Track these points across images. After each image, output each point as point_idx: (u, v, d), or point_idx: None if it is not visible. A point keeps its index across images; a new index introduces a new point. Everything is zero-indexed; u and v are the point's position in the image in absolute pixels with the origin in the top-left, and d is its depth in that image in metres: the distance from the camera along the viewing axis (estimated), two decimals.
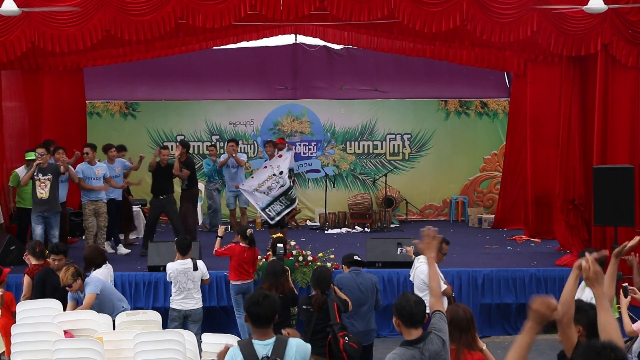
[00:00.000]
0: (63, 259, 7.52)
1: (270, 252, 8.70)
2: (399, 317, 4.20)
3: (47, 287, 7.52)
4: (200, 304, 7.99)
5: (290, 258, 9.09)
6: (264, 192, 10.90)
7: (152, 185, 10.90)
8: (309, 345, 4.32)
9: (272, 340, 4.13)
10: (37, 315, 7.10)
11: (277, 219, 10.90)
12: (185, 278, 7.82)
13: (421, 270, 6.98)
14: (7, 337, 6.87)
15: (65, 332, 6.63)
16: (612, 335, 3.44)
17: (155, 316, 7.22)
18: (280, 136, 14.35)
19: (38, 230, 9.81)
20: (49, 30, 8.91)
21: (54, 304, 7.32)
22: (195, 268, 7.87)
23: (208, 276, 8.15)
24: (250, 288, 8.48)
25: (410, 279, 7.36)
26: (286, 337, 4.22)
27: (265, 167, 11.28)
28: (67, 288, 7.14)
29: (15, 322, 7.07)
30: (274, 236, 8.48)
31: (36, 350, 6.45)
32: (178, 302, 7.87)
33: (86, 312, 7.27)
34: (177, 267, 7.84)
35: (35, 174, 9.80)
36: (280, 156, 11.28)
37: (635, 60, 9.18)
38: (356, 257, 7.38)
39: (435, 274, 4.61)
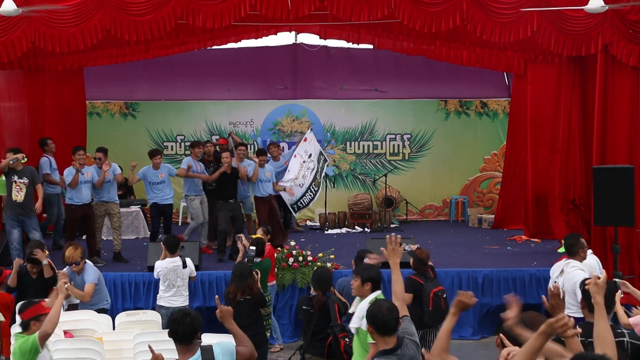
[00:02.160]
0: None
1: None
2: (372, 326, 4.18)
3: (23, 286, 7.67)
4: (187, 302, 8.03)
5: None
6: (300, 185, 11.10)
7: (217, 189, 10.71)
8: (231, 343, 4.36)
9: (197, 355, 4.16)
10: None
11: (303, 209, 11.29)
12: (175, 275, 7.88)
13: (572, 276, 6.73)
14: (7, 337, 6.88)
15: (65, 332, 6.65)
16: (606, 345, 3.47)
17: (155, 316, 7.24)
18: (280, 136, 14.37)
19: (15, 233, 9.71)
20: (49, 30, 8.90)
21: None
22: (185, 265, 7.96)
23: (195, 273, 8.24)
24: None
25: (559, 285, 7.12)
26: (209, 346, 4.24)
27: (295, 156, 11.32)
28: (72, 266, 7.42)
29: (13, 322, 7.09)
30: (253, 237, 8.44)
31: None
32: (166, 299, 7.90)
33: (86, 312, 7.31)
34: (166, 265, 7.91)
35: (12, 176, 9.74)
36: (305, 140, 11.37)
37: (636, 60, 9.17)
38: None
39: (399, 279, 4.71)
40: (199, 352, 4.18)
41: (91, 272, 7.55)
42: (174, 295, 7.88)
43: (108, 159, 10.50)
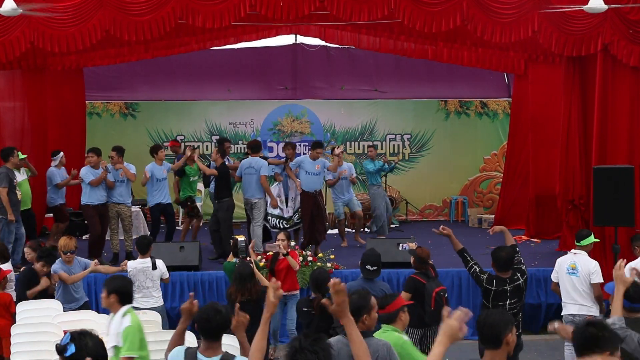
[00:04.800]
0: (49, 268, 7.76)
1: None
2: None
3: (31, 287, 7.61)
4: (160, 302, 8.01)
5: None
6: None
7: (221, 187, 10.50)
8: None
9: (217, 358, 4.08)
10: (37, 316, 7.11)
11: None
12: (144, 277, 7.88)
13: None
14: (6, 338, 6.88)
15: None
16: None
17: (155, 316, 7.22)
18: (280, 137, 14.35)
19: (24, 230, 9.81)
20: (49, 31, 8.89)
21: (54, 304, 7.34)
22: (154, 267, 7.94)
23: (167, 275, 8.19)
24: None
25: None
26: (232, 356, 4.14)
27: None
28: (67, 254, 7.65)
29: (13, 323, 7.09)
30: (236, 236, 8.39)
31: (36, 351, 6.46)
32: (138, 300, 7.83)
33: (86, 312, 7.31)
34: (136, 266, 7.93)
35: (13, 177, 9.75)
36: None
37: (636, 60, 9.16)
38: (367, 267, 6.96)
39: (358, 338, 3.84)
40: (219, 357, 4.10)
41: (82, 260, 7.86)
42: (144, 297, 7.88)
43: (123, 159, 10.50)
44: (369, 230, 13.04)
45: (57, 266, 7.67)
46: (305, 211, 10.42)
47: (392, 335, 4.76)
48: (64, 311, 7.30)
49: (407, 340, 4.91)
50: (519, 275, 6.56)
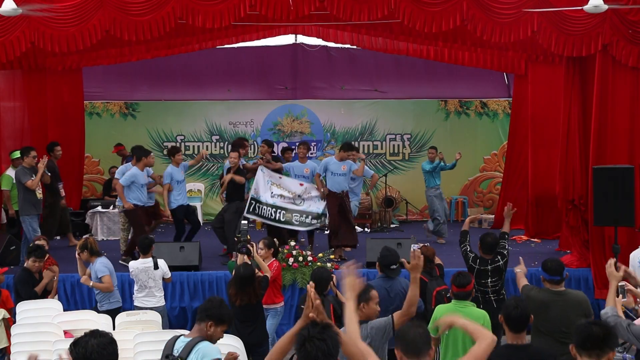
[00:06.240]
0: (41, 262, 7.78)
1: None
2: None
3: (34, 285, 7.66)
4: (162, 302, 8.01)
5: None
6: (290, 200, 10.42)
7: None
8: (214, 348, 4.41)
9: (189, 339, 4.44)
10: (37, 315, 7.12)
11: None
12: (146, 276, 7.89)
13: None
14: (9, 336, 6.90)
15: (65, 332, 6.65)
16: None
17: (155, 316, 7.24)
18: (280, 137, 14.36)
19: (39, 232, 9.81)
20: (49, 30, 8.89)
21: (54, 304, 7.36)
22: (156, 267, 7.94)
23: (169, 275, 8.20)
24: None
25: None
26: (198, 339, 4.40)
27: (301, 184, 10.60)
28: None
29: (11, 320, 7.11)
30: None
31: (36, 350, 6.45)
32: (140, 299, 7.94)
33: (86, 312, 7.32)
34: (138, 266, 7.94)
35: (31, 175, 9.77)
36: (301, 184, 10.52)
37: (635, 60, 9.15)
38: (392, 267, 6.63)
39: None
40: (189, 339, 4.43)
41: (98, 265, 7.76)
42: (146, 296, 7.90)
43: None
44: (369, 230, 13.04)
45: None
46: (331, 212, 10.28)
47: (480, 312, 5.89)
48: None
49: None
50: (499, 257, 7.35)
